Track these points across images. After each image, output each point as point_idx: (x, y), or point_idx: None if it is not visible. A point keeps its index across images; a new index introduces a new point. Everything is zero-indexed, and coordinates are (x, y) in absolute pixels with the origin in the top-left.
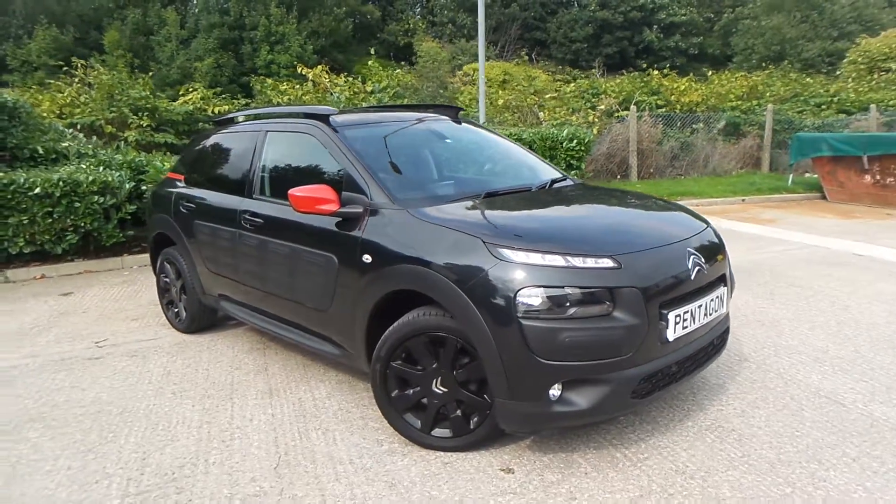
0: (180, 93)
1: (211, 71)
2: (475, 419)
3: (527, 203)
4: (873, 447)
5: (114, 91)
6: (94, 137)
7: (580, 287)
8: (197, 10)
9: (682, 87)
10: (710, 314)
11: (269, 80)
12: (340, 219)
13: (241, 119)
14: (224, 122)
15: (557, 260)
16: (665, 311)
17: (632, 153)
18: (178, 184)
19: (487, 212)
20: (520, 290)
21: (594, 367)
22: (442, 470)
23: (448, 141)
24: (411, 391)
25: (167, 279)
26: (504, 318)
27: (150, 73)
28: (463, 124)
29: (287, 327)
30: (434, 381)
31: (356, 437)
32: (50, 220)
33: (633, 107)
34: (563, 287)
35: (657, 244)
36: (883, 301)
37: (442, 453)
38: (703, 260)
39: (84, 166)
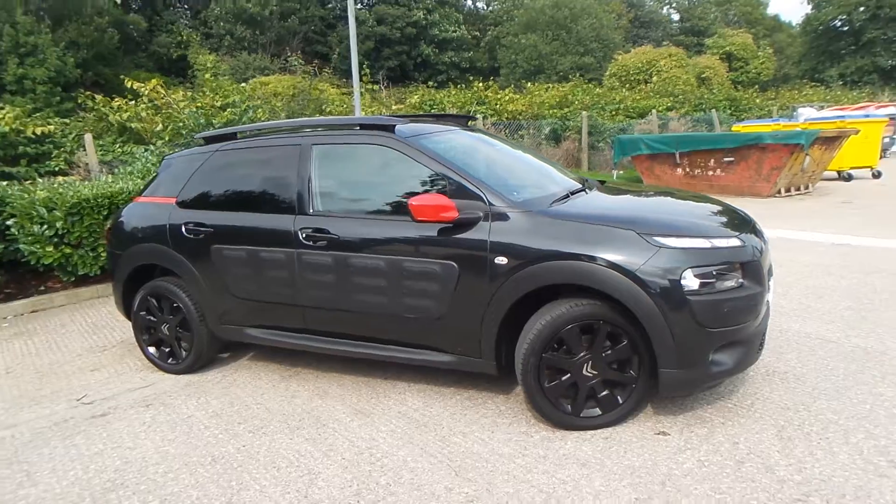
0: None
1: None
2: (622, 395)
3: (619, 199)
4: (883, 367)
5: None
6: None
7: (723, 263)
8: None
9: (507, 98)
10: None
11: (100, 97)
12: (451, 225)
13: (248, 134)
14: (221, 138)
15: (703, 243)
16: (768, 280)
17: None
18: (167, 208)
19: (614, 208)
20: (683, 271)
21: (742, 329)
22: (610, 444)
23: (498, 148)
24: (564, 378)
25: (151, 317)
26: (673, 298)
27: None
28: (475, 133)
29: (369, 345)
30: (585, 365)
31: (500, 434)
32: None
33: (479, 116)
34: (711, 265)
35: (750, 226)
36: (782, 265)
37: (595, 431)
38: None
39: None
